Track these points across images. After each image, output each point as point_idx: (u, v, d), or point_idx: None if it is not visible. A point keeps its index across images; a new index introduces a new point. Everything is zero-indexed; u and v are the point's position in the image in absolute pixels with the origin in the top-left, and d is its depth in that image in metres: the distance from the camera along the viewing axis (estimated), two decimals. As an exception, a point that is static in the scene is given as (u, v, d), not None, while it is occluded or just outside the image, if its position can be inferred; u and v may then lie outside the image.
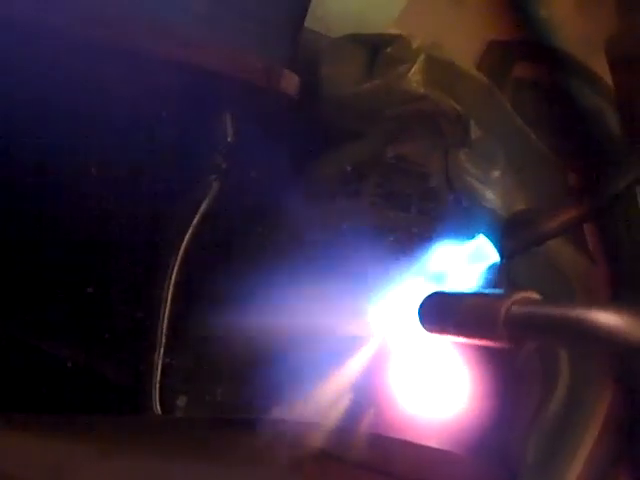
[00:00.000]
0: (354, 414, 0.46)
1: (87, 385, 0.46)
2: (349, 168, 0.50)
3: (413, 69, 0.50)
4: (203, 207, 0.48)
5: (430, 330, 0.40)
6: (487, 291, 0.38)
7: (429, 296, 0.41)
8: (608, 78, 0.55)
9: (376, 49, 0.50)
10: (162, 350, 0.46)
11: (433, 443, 0.48)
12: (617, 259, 0.52)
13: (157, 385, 0.46)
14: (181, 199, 0.48)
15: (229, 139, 0.48)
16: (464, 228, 0.49)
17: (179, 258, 0.47)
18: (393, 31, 0.52)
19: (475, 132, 0.51)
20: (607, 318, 0.30)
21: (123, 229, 0.47)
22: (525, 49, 0.56)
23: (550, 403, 0.48)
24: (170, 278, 0.47)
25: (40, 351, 0.45)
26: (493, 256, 0.49)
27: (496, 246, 0.49)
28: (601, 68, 0.55)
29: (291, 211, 0.47)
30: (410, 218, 0.50)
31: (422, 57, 0.51)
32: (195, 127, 0.47)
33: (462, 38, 0.55)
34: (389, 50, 0.50)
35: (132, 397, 0.46)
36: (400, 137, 0.51)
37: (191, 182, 0.48)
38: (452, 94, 0.52)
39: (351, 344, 0.46)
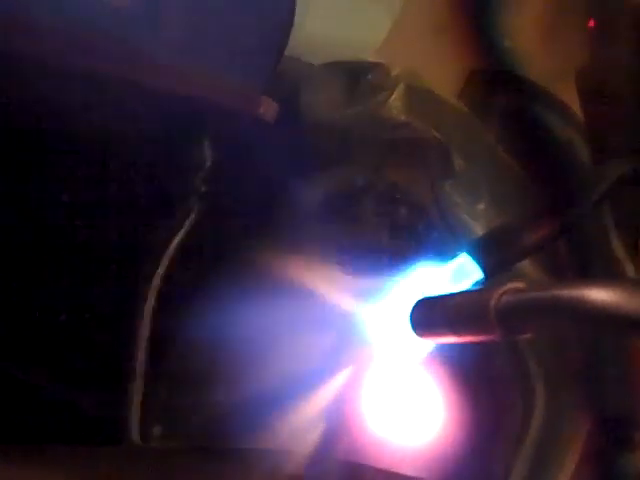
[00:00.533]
0: (328, 441, 0.45)
1: (64, 414, 0.44)
2: (340, 192, 0.51)
3: (393, 96, 0.51)
4: (182, 234, 0.48)
5: (423, 335, 0.40)
6: (474, 288, 0.38)
7: (418, 302, 0.40)
8: (577, 108, 0.56)
9: (356, 76, 0.51)
10: (141, 380, 0.45)
11: (408, 471, 0.47)
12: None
13: (136, 415, 0.45)
14: (158, 226, 0.47)
15: (208, 164, 0.48)
16: (447, 248, 0.49)
17: (156, 287, 0.47)
18: (373, 59, 0.53)
19: (458, 163, 0.52)
20: (598, 294, 0.30)
21: (97, 256, 0.46)
22: (508, 78, 0.58)
23: (527, 435, 0.48)
24: (146, 306, 0.46)
25: (15, 379, 0.44)
26: (476, 274, 0.49)
27: (479, 264, 0.49)
28: (570, 98, 0.56)
29: (275, 233, 0.47)
30: (400, 243, 0.51)
31: (401, 85, 0.52)
32: (173, 152, 0.47)
33: (443, 67, 0.56)
34: (369, 77, 0.52)
35: (110, 427, 0.45)
36: (389, 164, 0.52)
37: (168, 208, 0.48)
38: (433, 123, 0.53)
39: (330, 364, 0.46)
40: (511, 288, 0.35)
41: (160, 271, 0.47)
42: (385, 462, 0.47)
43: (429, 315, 0.39)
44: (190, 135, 0.48)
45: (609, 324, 0.30)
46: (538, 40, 0.57)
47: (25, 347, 0.45)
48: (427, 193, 0.52)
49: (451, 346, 0.41)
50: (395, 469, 0.47)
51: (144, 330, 0.46)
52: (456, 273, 0.49)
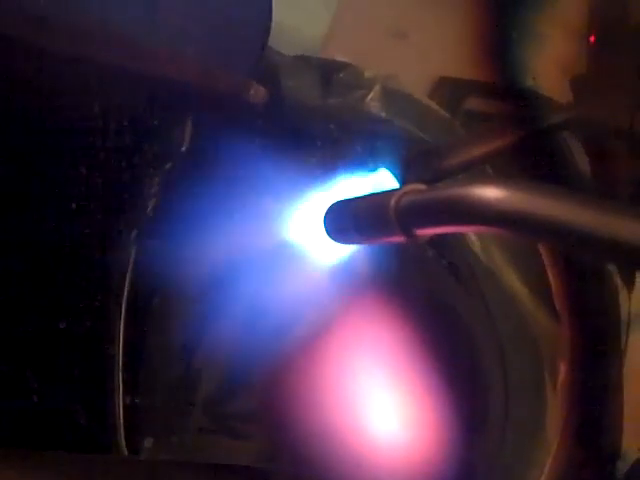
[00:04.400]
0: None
1: (54, 421, 0.45)
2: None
3: (370, 95, 0.53)
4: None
5: (336, 239, 0.42)
6: (381, 191, 0.40)
7: (331, 206, 0.42)
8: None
9: (328, 73, 0.53)
10: (121, 390, 0.46)
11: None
12: (583, 316, 0.54)
13: (121, 426, 0.45)
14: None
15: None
16: (368, 160, 0.51)
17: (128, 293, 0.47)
18: (341, 59, 0.54)
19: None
20: (481, 192, 0.32)
21: (69, 262, 0.46)
22: (475, 85, 0.59)
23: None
24: (121, 313, 0.46)
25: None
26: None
27: (397, 179, 0.51)
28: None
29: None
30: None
31: (378, 86, 0.53)
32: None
33: (409, 73, 0.57)
34: (341, 76, 0.53)
35: (98, 437, 0.46)
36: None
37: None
38: (416, 124, 0.54)
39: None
40: (412, 189, 0.36)
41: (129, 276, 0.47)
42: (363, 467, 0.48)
43: (340, 219, 0.41)
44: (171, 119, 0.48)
45: (489, 221, 0.32)
46: (559, 80, 0.57)
47: (12, 352, 0.45)
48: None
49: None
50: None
51: (120, 341, 0.46)
52: (375, 186, 0.50)
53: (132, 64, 0.44)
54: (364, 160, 0.51)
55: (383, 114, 0.53)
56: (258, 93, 0.48)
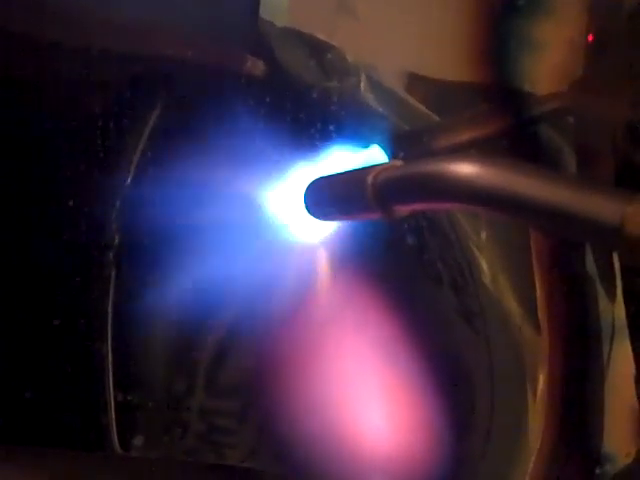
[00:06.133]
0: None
1: (47, 418, 0.45)
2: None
3: (362, 85, 0.51)
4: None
5: (316, 216, 0.41)
6: (359, 167, 0.39)
7: (311, 182, 0.41)
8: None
9: (317, 51, 0.51)
10: (111, 388, 0.45)
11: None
12: (563, 325, 0.53)
13: (113, 423, 0.45)
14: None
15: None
16: (360, 135, 0.50)
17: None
18: (321, 36, 0.52)
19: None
20: (456, 167, 0.31)
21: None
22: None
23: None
24: (108, 311, 0.46)
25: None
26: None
27: (388, 156, 0.50)
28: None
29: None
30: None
31: (364, 76, 0.52)
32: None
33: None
34: (329, 57, 0.51)
35: (91, 434, 0.46)
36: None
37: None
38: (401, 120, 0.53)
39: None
40: (389, 165, 0.36)
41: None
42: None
43: (319, 195, 0.40)
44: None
45: (463, 197, 0.31)
46: (556, 86, 0.56)
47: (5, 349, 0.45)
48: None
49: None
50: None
51: (108, 339, 0.46)
52: (365, 162, 0.50)
53: (124, 45, 0.43)
54: (356, 137, 0.50)
55: (380, 109, 0.52)
56: (255, 66, 0.48)
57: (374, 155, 0.50)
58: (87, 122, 0.44)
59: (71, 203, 0.45)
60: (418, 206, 0.34)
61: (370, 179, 0.35)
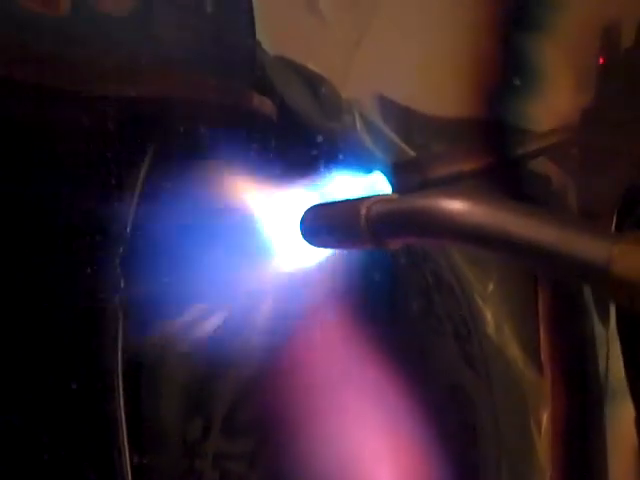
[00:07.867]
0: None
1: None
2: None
3: (358, 125, 0.52)
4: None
5: (312, 243, 0.41)
6: (354, 197, 0.39)
7: (308, 209, 0.42)
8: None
9: (313, 86, 0.51)
10: (126, 452, 0.44)
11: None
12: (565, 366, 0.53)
13: None
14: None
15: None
16: (363, 161, 0.50)
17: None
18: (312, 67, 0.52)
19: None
20: (447, 204, 0.31)
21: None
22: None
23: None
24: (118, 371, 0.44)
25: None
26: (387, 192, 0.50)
27: (391, 183, 0.50)
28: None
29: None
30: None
31: (357, 114, 0.52)
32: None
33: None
34: (323, 90, 0.51)
35: None
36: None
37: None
38: None
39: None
40: (383, 198, 0.36)
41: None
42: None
43: (315, 223, 0.40)
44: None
45: (452, 234, 0.31)
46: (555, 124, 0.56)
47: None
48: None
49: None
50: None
51: (121, 404, 0.44)
52: (367, 189, 0.50)
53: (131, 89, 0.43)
54: (359, 161, 0.50)
55: (377, 152, 0.52)
56: (263, 103, 0.47)
57: (374, 182, 0.50)
58: (86, 168, 0.44)
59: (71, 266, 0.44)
60: (409, 240, 0.34)
61: (364, 210, 0.35)
